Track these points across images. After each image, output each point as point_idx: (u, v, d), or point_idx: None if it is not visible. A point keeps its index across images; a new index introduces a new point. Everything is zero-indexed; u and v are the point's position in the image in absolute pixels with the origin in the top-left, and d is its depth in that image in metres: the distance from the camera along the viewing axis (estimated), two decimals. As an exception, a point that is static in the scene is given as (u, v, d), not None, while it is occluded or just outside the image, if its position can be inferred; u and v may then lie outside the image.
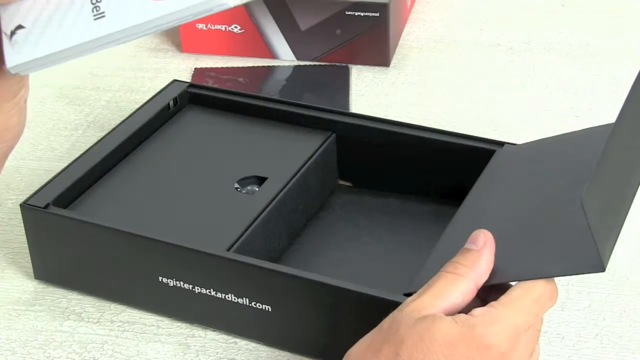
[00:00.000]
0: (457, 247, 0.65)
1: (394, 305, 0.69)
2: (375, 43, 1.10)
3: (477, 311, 0.59)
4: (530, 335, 0.60)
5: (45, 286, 0.82)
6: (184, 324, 0.77)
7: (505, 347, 0.58)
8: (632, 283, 0.81)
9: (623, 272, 0.82)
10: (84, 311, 0.80)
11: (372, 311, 0.70)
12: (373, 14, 1.08)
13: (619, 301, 0.79)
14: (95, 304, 0.80)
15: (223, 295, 0.73)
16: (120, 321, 0.78)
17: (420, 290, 0.61)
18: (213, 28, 1.13)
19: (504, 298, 0.60)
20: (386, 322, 0.60)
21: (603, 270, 0.60)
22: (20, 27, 0.57)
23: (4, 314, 0.80)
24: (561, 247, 0.63)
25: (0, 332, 0.78)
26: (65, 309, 0.80)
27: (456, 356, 0.57)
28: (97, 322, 0.78)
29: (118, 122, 0.90)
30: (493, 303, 0.60)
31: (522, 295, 0.60)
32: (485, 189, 0.76)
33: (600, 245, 0.61)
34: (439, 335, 0.57)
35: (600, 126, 0.74)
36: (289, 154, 0.85)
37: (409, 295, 0.68)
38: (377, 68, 1.11)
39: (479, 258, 0.62)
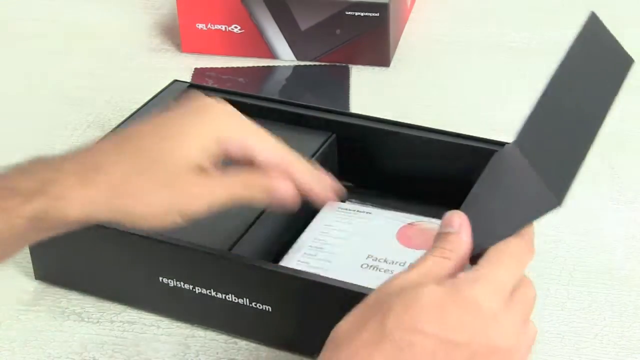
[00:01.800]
0: None
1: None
2: (375, 43, 1.10)
3: (460, 274, 0.59)
4: (521, 298, 0.59)
5: (46, 286, 0.82)
6: (184, 324, 0.77)
7: (495, 305, 0.57)
8: (632, 283, 0.81)
9: (623, 272, 0.82)
10: (84, 311, 0.80)
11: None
12: (373, 14, 1.08)
13: (619, 301, 0.79)
14: (95, 304, 0.80)
15: (223, 295, 0.73)
16: (120, 321, 0.78)
17: (407, 269, 0.61)
18: (213, 28, 1.13)
19: (482, 261, 0.59)
20: (372, 297, 0.58)
21: (559, 205, 0.60)
22: None
23: (4, 314, 0.80)
24: (520, 200, 0.64)
25: (0, 332, 0.78)
26: (65, 309, 0.80)
27: (447, 319, 0.55)
28: (97, 322, 0.78)
29: (118, 122, 0.90)
30: (473, 267, 0.60)
31: (497, 254, 0.60)
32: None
33: (552, 183, 0.61)
34: (425, 300, 0.56)
35: None
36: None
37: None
38: (377, 68, 1.11)
39: (459, 240, 0.61)
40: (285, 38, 1.11)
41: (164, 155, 0.65)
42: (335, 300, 0.71)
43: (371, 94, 1.07)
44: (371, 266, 0.74)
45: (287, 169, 0.69)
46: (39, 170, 0.63)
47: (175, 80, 0.94)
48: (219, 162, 0.67)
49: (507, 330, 0.57)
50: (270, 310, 0.72)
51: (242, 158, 0.68)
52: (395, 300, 0.56)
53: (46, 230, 0.64)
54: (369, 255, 0.72)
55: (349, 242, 0.76)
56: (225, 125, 0.68)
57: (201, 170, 0.65)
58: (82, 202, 0.62)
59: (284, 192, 0.68)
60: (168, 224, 0.65)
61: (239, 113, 0.70)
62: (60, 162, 0.64)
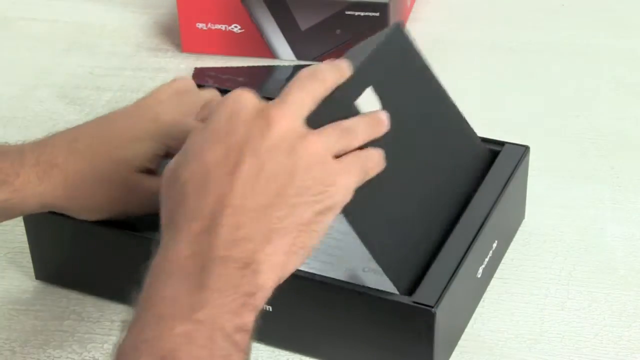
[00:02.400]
0: None
1: (394, 304, 0.69)
2: (375, 43, 1.10)
3: None
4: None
5: (45, 286, 0.82)
6: (184, 324, 0.77)
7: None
8: (632, 283, 0.81)
9: (623, 272, 0.82)
10: (84, 311, 0.80)
11: (373, 311, 0.70)
12: (373, 14, 1.08)
13: (619, 301, 0.79)
14: (96, 303, 0.80)
15: (223, 295, 0.73)
16: (121, 321, 0.78)
17: None
18: (213, 28, 1.13)
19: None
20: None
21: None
22: None
23: (4, 313, 0.80)
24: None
25: (0, 332, 0.78)
26: (66, 308, 0.80)
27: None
28: (97, 321, 0.78)
29: (118, 122, 0.90)
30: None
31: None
32: None
33: None
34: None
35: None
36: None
37: (409, 295, 0.68)
38: (377, 68, 1.11)
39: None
40: (285, 38, 1.11)
41: (110, 156, 0.72)
42: (336, 300, 0.71)
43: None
44: (372, 269, 0.74)
45: None
46: (3, 162, 0.71)
47: (175, 80, 0.94)
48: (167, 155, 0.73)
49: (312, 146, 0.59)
50: (270, 310, 0.72)
51: None
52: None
53: (7, 215, 0.74)
54: (370, 258, 0.72)
55: (349, 243, 0.76)
56: (163, 123, 0.73)
57: (146, 170, 0.72)
58: (39, 195, 0.72)
59: None
60: (113, 217, 0.74)
61: (184, 100, 0.76)
62: (20, 155, 0.72)
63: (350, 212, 0.65)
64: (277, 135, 0.57)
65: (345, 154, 0.61)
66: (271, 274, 0.56)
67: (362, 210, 0.67)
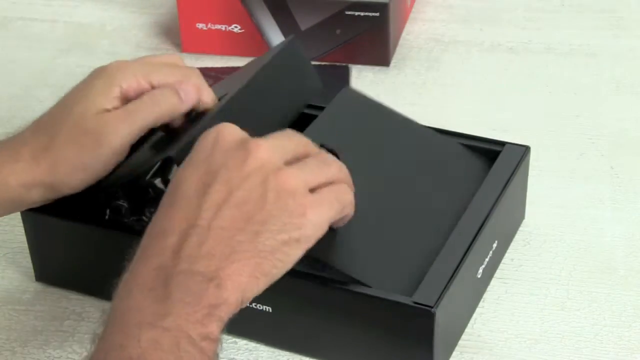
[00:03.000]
0: None
1: (394, 304, 0.69)
2: (375, 43, 1.10)
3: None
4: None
5: (46, 286, 0.82)
6: (184, 324, 0.77)
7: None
8: (632, 283, 0.81)
9: (623, 272, 0.82)
10: (84, 311, 0.80)
11: (373, 311, 0.70)
12: (373, 14, 1.08)
13: (619, 301, 0.79)
14: (96, 303, 0.80)
15: (223, 295, 0.73)
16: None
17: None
18: (213, 28, 1.13)
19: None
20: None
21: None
22: None
23: (4, 313, 0.80)
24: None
25: (0, 332, 0.78)
26: (66, 308, 0.80)
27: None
28: (97, 322, 0.78)
29: (118, 122, 0.90)
30: None
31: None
32: None
33: None
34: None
35: None
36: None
37: (408, 296, 0.68)
38: (377, 68, 1.11)
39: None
40: (285, 38, 1.11)
41: (71, 115, 0.75)
42: (336, 300, 0.71)
43: (371, 94, 1.07)
44: None
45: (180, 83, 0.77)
46: None
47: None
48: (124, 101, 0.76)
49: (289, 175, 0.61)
50: (270, 310, 0.72)
51: (142, 90, 0.76)
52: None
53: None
54: None
55: None
56: (118, 70, 0.76)
57: (106, 111, 0.74)
58: (15, 172, 0.73)
59: (191, 91, 0.76)
60: (92, 176, 0.74)
61: (137, 61, 0.79)
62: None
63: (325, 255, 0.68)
64: (253, 166, 0.60)
65: (321, 187, 0.63)
66: (234, 291, 0.58)
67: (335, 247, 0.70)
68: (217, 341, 0.57)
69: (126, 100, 0.75)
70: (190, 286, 0.56)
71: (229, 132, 0.62)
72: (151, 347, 0.54)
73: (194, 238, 0.58)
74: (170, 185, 0.62)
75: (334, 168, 0.65)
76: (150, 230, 0.60)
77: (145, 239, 0.60)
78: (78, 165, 0.74)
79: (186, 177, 0.60)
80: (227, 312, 0.58)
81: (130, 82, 0.75)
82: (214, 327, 0.56)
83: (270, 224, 0.59)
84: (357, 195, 0.67)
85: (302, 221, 0.60)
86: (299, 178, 0.61)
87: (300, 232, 0.60)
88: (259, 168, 0.60)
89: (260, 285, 0.59)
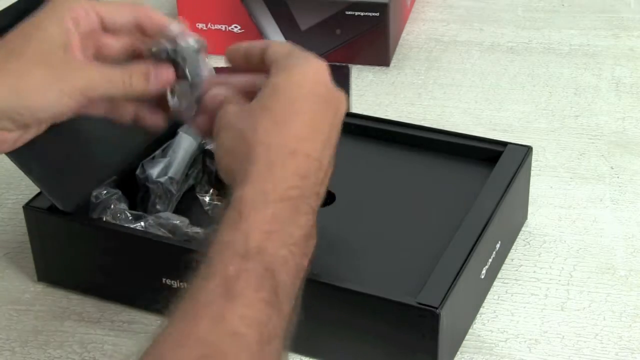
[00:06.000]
0: None
1: (399, 305, 0.69)
2: (375, 43, 1.10)
3: None
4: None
5: (46, 286, 0.82)
6: (184, 324, 0.77)
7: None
8: (632, 283, 0.81)
9: (623, 272, 0.82)
10: (84, 311, 0.80)
11: (377, 312, 0.70)
12: (373, 14, 1.08)
13: (619, 301, 0.79)
14: (96, 304, 0.80)
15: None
16: (121, 321, 0.78)
17: None
18: (213, 28, 1.13)
19: None
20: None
21: None
22: None
23: (4, 313, 0.80)
24: None
25: (0, 332, 0.78)
26: (66, 308, 0.80)
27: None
28: (97, 322, 0.78)
29: (118, 122, 0.90)
30: None
31: None
32: None
33: None
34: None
35: None
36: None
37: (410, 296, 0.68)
38: (377, 68, 1.11)
39: None
40: (285, 38, 1.11)
41: (31, 40, 0.69)
42: (340, 301, 0.71)
43: (371, 94, 1.07)
44: None
45: (137, 21, 0.73)
46: None
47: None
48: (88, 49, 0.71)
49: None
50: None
51: (97, 27, 0.72)
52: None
53: None
54: None
55: None
56: (66, 1, 0.72)
57: (68, 47, 0.70)
58: None
59: (163, 74, 0.71)
60: (54, 101, 0.68)
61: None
62: None
63: None
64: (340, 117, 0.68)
65: None
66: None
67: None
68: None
69: (80, 34, 0.71)
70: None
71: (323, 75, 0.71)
72: (282, 263, 0.58)
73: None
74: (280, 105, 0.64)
75: None
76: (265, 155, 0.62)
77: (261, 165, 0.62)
78: (45, 86, 0.69)
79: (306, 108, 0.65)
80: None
81: (78, 12, 0.72)
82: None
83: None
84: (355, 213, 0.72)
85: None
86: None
87: None
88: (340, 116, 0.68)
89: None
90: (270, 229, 0.58)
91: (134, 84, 0.70)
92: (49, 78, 0.68)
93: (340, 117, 0.67)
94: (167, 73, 0.71)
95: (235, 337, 0.55)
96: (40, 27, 0.70)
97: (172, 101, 0.70)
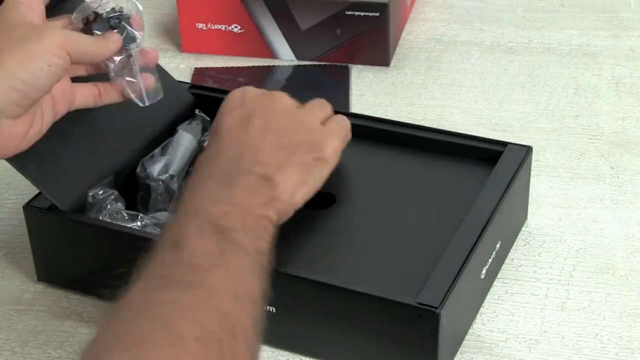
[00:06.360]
0: None
1: (399, 305, 0.69)
2: (375, 43, 1.10)
3: None
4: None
5: (46, 286, 0.82)
6: (184, 324, 0.77)
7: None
8: (632, 283, 0.81)
9: (623, 272, 0.82)
10: (85, 311, 0.80)
11: (377, 312, 0.70)
12: (373, 14, 1.08)
13: (619, 301, 0.79)
14: (96, 304, 0.80)
15: (223, 295, 0.73)
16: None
17: None
18: (213, 28, 1.13)
19: None
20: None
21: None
22: None
23: (4, 314, 0.80)
24: None
25: (0, 332, 0.78)
26: (66, 308, 0.80)
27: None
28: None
29: (118, 122, 0.90)
30: None
31: None
32: None
33: None
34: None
35: None
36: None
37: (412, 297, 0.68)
38: (377, 68, 1.11)
39: None
40: (285, 38, 1.11)
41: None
42: (340, 301, 0.71)
43: (371, 94, 1.07)
44: None
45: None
46: None
47: (176, 80, 0.94)
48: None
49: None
50: (274, 311, 0.72)
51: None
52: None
53: None
54: None
55: None
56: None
57: (32, 20, 0.73)
58: None
59: (119, 40, 0.79)
60: (42, 64, 0.71)
61: None
62: None
63: None
64: (279, 107, 0.76)
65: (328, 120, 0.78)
66: (285, 192, 0.70)
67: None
68: (274, 224, 0.68)
69: (37, 14, 0.74)
70: (251, 181, 0.69)
71: (252, 89, 0.77)
72: (224, 217, 0.65)
73: (248, 152, 0.71)
74: (212, 131, 0.75)
75: (330, 107, 0.79)
76: (202, 159, 0.71)
77: (202, 162, 0.71)
78: (29, 55, 0.71)
79: (226, 120, 0.74)
80: (281, 207, 0.69)
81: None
82: (272, 213, 0.68)
83: (301, 146, 0.73)
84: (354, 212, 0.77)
85: (322, 145, 0.75)
86: (312, 115, 0.77)
87: (324, 153, 0.74)
88: (284, 108, 0.76)
89: (303, 191, 0.72)
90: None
91: (107, 40, 0.78)
92: (29, 46, 0.71)
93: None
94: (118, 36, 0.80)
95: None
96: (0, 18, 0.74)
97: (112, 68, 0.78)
